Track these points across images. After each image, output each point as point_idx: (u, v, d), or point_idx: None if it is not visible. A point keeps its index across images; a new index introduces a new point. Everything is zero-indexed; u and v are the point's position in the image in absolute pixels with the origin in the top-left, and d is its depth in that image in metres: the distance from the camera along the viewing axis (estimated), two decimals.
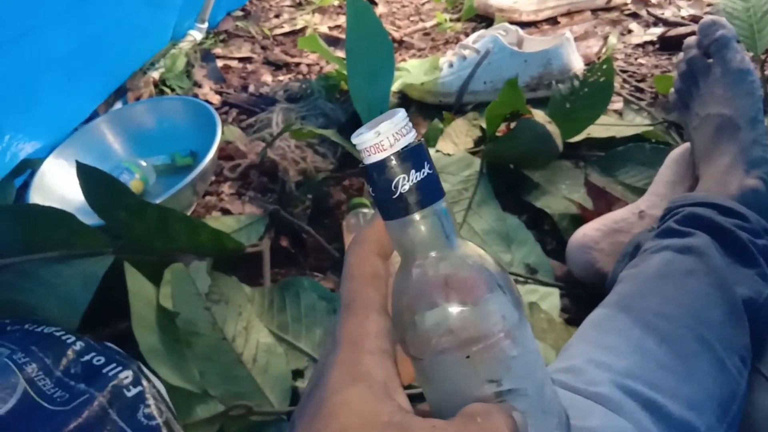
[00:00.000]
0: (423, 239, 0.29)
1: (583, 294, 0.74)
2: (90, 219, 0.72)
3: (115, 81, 1.10)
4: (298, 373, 0.67)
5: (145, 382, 0.61)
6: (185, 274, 0.68)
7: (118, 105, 1.12)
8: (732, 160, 0.67)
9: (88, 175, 0.71)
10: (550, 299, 0.74)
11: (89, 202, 0.72)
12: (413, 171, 0.28)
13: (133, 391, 0.60)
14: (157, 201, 0.82)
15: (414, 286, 0.29)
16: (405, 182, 0.28)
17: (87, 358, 0.63)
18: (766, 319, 0.55)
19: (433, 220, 0.29)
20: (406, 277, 0.29)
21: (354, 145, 0.29)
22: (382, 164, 0.28)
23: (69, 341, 0.65)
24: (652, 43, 1.19)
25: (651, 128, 0.94)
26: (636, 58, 1.16)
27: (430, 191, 0.29)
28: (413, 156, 0.28)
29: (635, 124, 0.97)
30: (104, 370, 0.61)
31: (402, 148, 0.28)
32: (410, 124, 0.29)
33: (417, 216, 0.29)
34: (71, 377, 0.60)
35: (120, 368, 0.62)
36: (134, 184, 0.93)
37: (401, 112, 0.29)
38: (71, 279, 0.70)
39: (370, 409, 0.26)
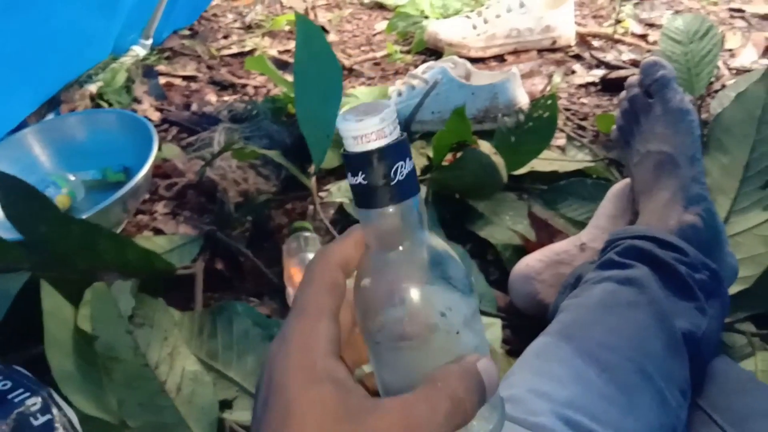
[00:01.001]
0: (402, 228, 0.30)
1: (525, 325, 0.73)
2: (9, 234, 0.67)
3: (47, 91, 1.04)
4: (225, 404, 0.62)
5: (55, 410, 0.55)
6: (107, 295, 0.64)
7: (50, 117, 1.07)
8: (671, 195, 0.68)
9: (7, 186, 0.66)
10: (492, 330, 0.73)
11: (7, 214, 0.67)
12: (407, 160, 0.29)
13: (41, 419, 0.55)
14: (84, 216, 0.77)
15: (388, 271, 0.30)
16: (402, 170, 0.29)
17: None
18: (705, 353, 0.55)
19: (414, 210, 0.30)
20: (380, 262, 0.30)
21: (341, 148, 0.29)
22: (385, 150, 0.28)
23: None
24: (594, 84, 1.23)
25: (592, 164, 0.96)
26: (579, 98, 1.19)
27: (415, 182, 0.29)
28: (406, 146, 0.29)
29: (577, 159, 0.98)
30: (9, 396, 0.56)
31: (399, 137, 0.29)
32: (395, 117, 0.29)
33: (405, 205, 0.29)
34: None
35: (28, 394, 0.56)
36: (60, 198, 0.87)
37: (391, 104, 0.29)
38: None
39: (341, 402, 0.26)
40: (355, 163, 0.29)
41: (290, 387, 0.26)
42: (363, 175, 0.29)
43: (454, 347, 0.30)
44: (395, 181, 0.29)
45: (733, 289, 0.69)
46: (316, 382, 0.26)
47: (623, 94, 0.82)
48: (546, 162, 0.95)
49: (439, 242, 0.31)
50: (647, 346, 0.52)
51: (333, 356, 0.28)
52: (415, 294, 0.29)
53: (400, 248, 0.30)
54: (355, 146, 0.28)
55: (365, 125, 0.28)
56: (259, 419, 0.28)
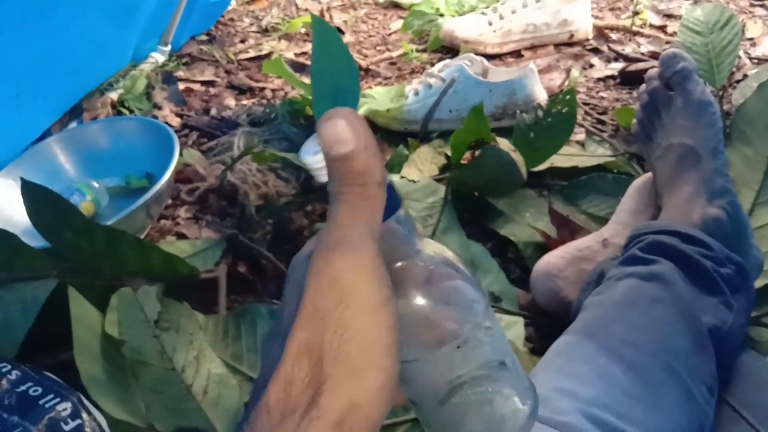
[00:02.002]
0: (389, 249, 0.29)
1: (547, 323, 0.73)
2: (36, 242, 0.68)
3: (69, 100, 1.06)
4: None
5: (85, 415, 0.57)
6: (133, 300, 0.65)
7: (73, 125, 1.08)
8: (694, 189, 0.68)
9: (33, 194, 0.68)
10: (514, 328, 0.72)
11: (33, 221, 0.68)
12: None
13: (72, 424, 0.56)
14: (108, 223, 0.78)
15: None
16: None
17: (22, 388, 0.59)
18: (731, 348, 0.54)
19: (395, 229, 0.29)
20: None
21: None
22: None
23: (4, 370, 0.60)
24: (613, 77, 1.21)
25: (613, 159, 0.95)
26: (597, 92, 1.18)
27: (390, 202, 0.29)
28: None
29: (597, 154, 0.97)
30: (41, 402, 0.57)
31: None
32: None
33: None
34: (4, 409, 0.56)
35: (58, 399, 0.57)
36: (85, 205, 0.89)
37: None
38: (10, 303, 0.66)
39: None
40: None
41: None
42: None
43: (472, 355, 0.30)
44: None
45: (759, 283, 0.68)
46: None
47: (643, 87, 0.81)
48: (566, 158, 0.95)
49: (437, 249, 0.32)
50: (672, 342, 0.52)
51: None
52: (433, 304, 0.30)
53: (397, 266, 0.30)
54: (322, 178, 0.29)
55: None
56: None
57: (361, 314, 0.24)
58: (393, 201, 0.29)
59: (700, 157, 0.70)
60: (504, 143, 0.86)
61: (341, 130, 0.27)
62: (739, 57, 1.20)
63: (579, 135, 1.02)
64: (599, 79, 1.21)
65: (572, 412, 0.43)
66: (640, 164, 0.94)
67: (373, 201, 0.26)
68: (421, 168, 0.96)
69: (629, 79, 1.19)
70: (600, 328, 0.53)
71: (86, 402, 0.58)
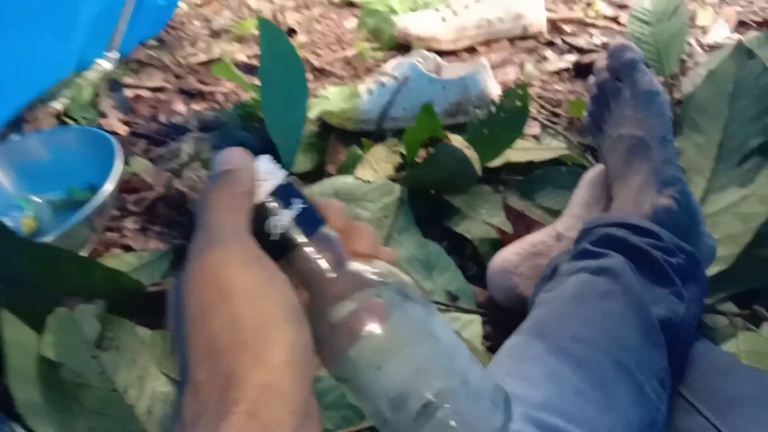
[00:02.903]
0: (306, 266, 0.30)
1: (505, 320, 0.71)
2: None
3: (6, 112, 1.02)
4: None
5: None
6: (71, 320, 0.62)
7: (15, 137, 1.04)
8: (644, 179, 0.67)
9: None
10: (471, 327, 0.71)
11: None
12: (285, 209, 0.30)
13: None
14: (48, 238, 0.75)
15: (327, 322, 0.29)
16: (279, 222, 0.30)
17: None
18: (684, 339, 0.54)
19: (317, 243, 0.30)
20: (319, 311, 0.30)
21: None
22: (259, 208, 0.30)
23: None
24: (567, 70, 1.21)
25: (567, 152, 0.94)
26: (552, 85, 1.18)
27: (309, 223, 0.30)
28: (281, 194, 0.30)
29: (552, 147, 0.97)
30: None
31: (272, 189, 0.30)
32: (277, 165, 0.31)
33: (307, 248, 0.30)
34: None
35: None
36: (26, 221, 0.85)
37: (263, 158, 0.31)
38: None
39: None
40: None
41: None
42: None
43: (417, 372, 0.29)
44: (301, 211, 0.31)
45: (713, 270, 0.68)
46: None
47: (592, 79, 0.81)
48: (521, 152, 0.94)
49: (383, 270, 0.31)
50: (623, 336, 0.51)
51: None
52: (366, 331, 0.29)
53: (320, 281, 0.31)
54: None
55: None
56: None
57: (246, 300, 0.24)
58: (314, 219, 0.30)
59: (649, 147, 0.70)
60: (457, 140, 0.85)
61: (230, 156, 0.30)
62: (690, 44, 1.21)
63: (534, 129, 1.02)
64: (553, 72, 1.21)
65: (518, 419, 0.42)
66: (594, 156, 0.94)
67: (240, 207, 0.28)
68: (376, 168, 0.94)
69: (583, 72, 1.19)
70: (550, 326, 0.52)
71: (20, 430, 0.55)
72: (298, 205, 0.30)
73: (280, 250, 0.29)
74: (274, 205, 0.29)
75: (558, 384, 0.46)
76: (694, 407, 0.50)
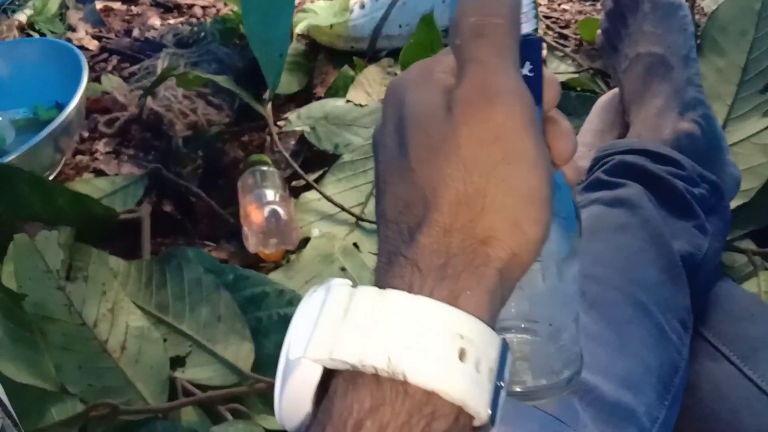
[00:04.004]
0: None
1: None
2: None
3: None
4: (177, 361, 0.56)
5: None
6: (31, 248, 0.56)
7: None
8: (665, 102, 0.61)
9: None
10: None
11: None
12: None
13: None
14: (9, 159, 0.68)
15: None
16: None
17: None
18: (706, 276, 0.49)
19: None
20: None
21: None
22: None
23: None
24: None
25: (576, 75, 0.88)
26: (559, 4, 1.09)
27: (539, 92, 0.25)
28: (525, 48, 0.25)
29: (560, 71, 0.90)
30: None
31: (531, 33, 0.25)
32: (534, 11, 0.26)
33: None
34: None
35: None
36: None
37: None
38: None
39: None
40: None
41: None
42: None
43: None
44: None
45: (733, 203, 0.63)
46: None
47: None
48: None
49: None
50: (641, 273, 0.46)
51: None
52: None
53: None
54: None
55: None
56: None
57: (524, 168, 0.23)
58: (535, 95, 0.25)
59: (671, 66, 0.64)
60: None
61: None
62: None
63: None
64: None
65: None
66: (605, 81, 0.87)
67: (514, 41, 0.24)
68: (369, 91, 0.87)
69: None
70: None
71: None
72: (525, 70, 0.25)
73: None
74: None
75: None
76: (719, 352, 0.46)
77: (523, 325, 0.28)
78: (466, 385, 0.20)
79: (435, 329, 0.20)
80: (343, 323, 0.21)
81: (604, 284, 0.44)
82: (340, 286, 0.23)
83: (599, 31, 0.75)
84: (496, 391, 0.21)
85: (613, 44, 0.72)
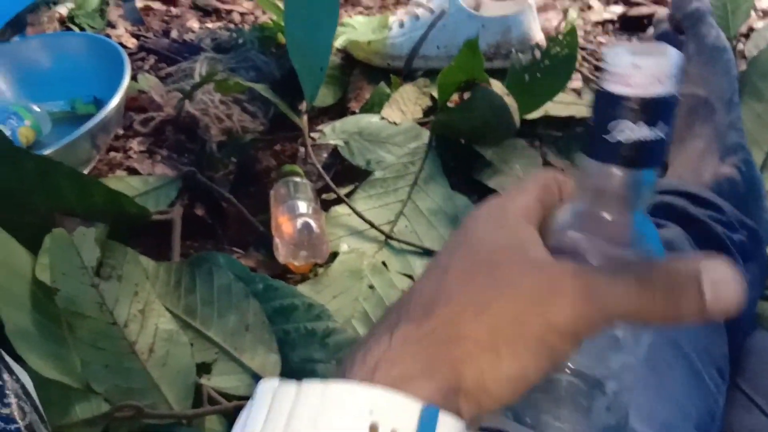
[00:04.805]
0: (611, 196, 0.26)
1: None
2: None
3: (10, 10, 0.93)
4: (203, 368, 0.56)
5: (6, 376, 0.49)
6: (68, 243, 0.56)
7: (15, 40, 0.96)
8: (706, 145, 0.61)
9: None
10: None
11: None
12: (645, 124, 0.24)
13: None
14: (47, 152, 0.69)
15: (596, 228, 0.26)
16: (628, 131, 0.24)
17: None
18: (744, 326, 0.49)
19: (629, 184, 0.25)
20: (589, 219, 0.26)
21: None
22: (616, 99, 0.24)
23: None
24: (612, 21, 1.13)
25: None
26: (595, 36, 1.09)
27: (649, 155, 0.24)
28: (656, 109, 0.24)
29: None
30: None
31: (651, 96, 0.23)
32: (676, 73, 0.24)
33: (618, 171, 0.25)
34: None
35: None
36: (23, 131, 0.78)
37: (674, 55, 0.24)
38: None
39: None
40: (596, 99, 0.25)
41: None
42: (593, 114, 0.25)
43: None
44: (614, 139, 0.24)
45: None
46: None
47: (651, 30, 0.74)
48: (561, 106, 0.87)
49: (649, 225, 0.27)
50: None
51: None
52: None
53: (616, 215, 0.26)
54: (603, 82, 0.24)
55: (616, 62, 0.24)
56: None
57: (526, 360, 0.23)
58: (654, 158, 0.25)
59: (714, 108, 0.64)
60: (497, 85, 0.78)
61: None
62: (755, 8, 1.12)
63: (575, 82, 0.95)
64: (597, 23, 1.12)
65: None
66: None
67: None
68: (404, 109, 0.87)
69: (629, 24, 1.10)
70: None
71: (9, 359, 0.50)
72: (661, 132, 0.24)
73: (600, 149, 0.25)
74: (639, 112, 0.24)
75: None
76: (753, 403, 0.45)
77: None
78: None
79: (347, 409, 0.21)
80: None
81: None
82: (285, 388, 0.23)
83: None
84: None
85: None
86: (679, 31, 0.70)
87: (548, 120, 0.85)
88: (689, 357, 0.43)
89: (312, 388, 0.22)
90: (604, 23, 1.13)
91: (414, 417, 0.21)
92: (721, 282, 0.21)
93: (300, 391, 0.22)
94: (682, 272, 0.22)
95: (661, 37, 0.71)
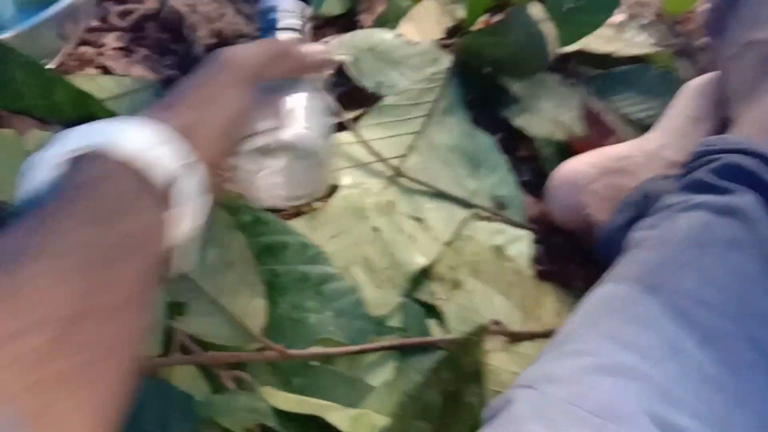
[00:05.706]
0: None
1: (562, 243, 0.59)
2: None
3: None
4: (175, 308, 0.48)
5: None
6: (17, 146, 0.47)
7: None
8: None
9: None
10: (518, 244, 0.59)
11: None
12: None
13: None
14: (3, 36, 0.58)
15: None
16: None
17: None
18: None
19: None
20: None
21: None
22: None
23: None
24: None
25: (656, 51, 0.78)
26: None
27: None
28: None
29: (637, 43, 0.80)
30: None
31: None
32: None
33: None
34: None
35: None
36: None
37: None
38: None
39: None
40: None
41: None
42: None
43: None
44: None
45: None
46: None
47: None
48: (600, 41, 0.77)
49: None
50: (756, 303, 0.38)
51: None
52: None
53: None
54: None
55: None
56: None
57: None
58: None
59: None
60: (536, 8, 0.68)
61: None
62: None
63: (617, 16, 0.84)
64: None
65: (636, 415, 0.30)
66: (692, 63, 0.78)
67: None
68: (424, 27, 0.77)
69: None
70: (664, 277, 0.39)
71: None
72: None
73: None
74: None
75: (681, 362, 0.33)
76: None
77: None
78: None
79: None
80: None
81: (717, 313, 0.36)
82: None
83: (703, 7, 0.66)
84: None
85: (719, 25, 0.62)
86: None
87: (584, 55, 0.76)
88: (766, 353, 0.36)
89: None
90: None
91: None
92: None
93: None
94: None
95: None
